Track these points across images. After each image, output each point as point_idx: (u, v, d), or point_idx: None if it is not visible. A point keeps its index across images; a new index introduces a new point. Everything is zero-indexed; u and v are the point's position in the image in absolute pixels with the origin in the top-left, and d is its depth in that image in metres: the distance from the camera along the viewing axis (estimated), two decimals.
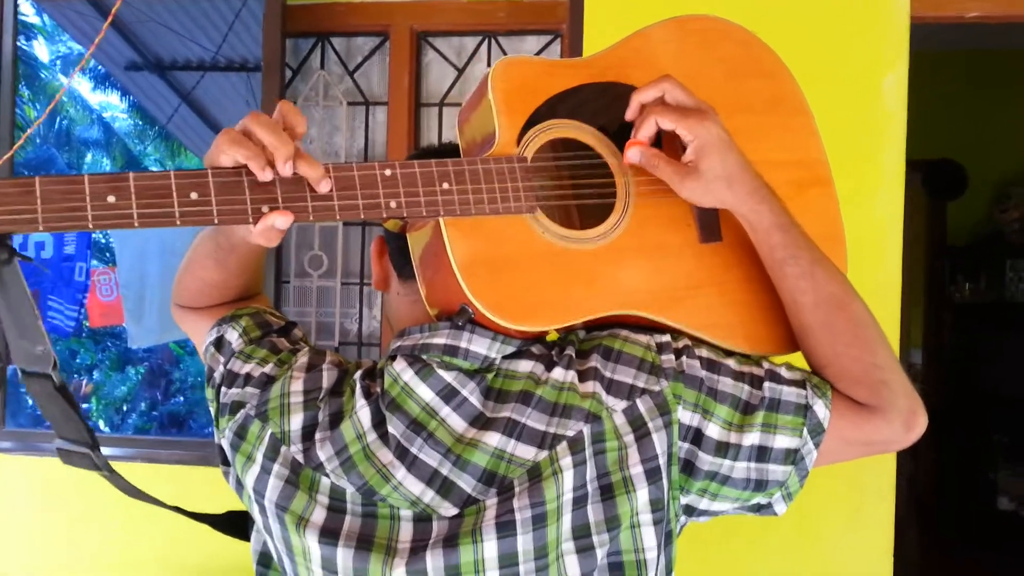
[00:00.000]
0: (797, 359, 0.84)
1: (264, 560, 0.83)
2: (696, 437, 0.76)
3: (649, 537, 0.74)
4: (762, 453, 0.76)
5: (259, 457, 0.77)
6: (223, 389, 0.83)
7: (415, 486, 0.73)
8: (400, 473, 0.73)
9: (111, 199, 0.64)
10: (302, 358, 0.83)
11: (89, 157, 9.51)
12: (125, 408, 8.39)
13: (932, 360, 4.08)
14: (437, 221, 0.75)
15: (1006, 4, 2.04)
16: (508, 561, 0.71)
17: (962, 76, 4.15)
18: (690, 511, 0.79)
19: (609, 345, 0.78)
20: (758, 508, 0.80)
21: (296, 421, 0.77)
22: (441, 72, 2.50)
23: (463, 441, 0.74)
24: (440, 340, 0.76)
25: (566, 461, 0.72)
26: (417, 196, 0.73)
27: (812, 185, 0.91)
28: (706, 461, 0.76)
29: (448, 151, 0.89)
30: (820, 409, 0.77)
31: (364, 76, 2.53)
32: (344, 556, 0.72)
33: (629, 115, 0.82)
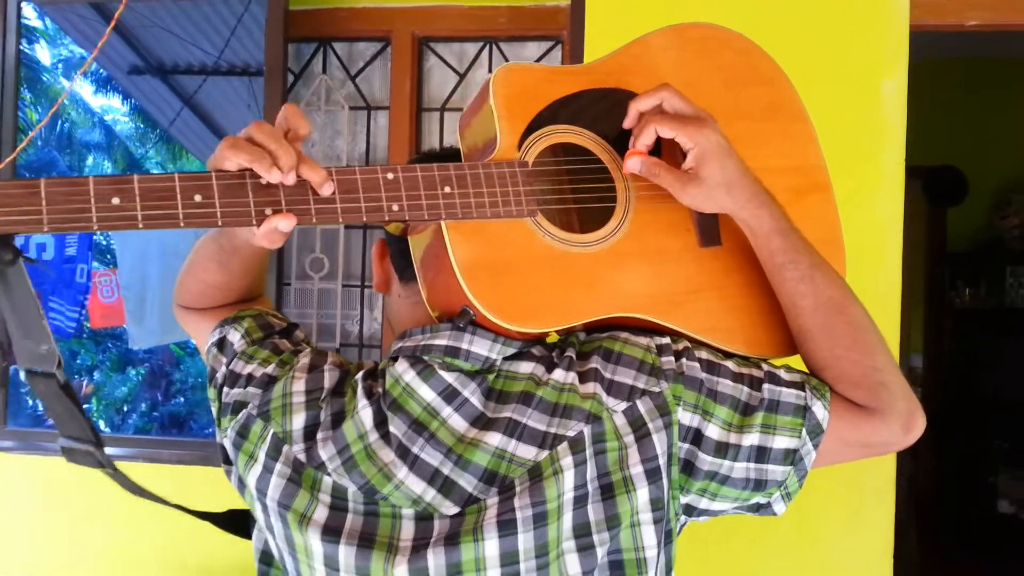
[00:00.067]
0: (796, 362, 0.85)
1: (266, 559, 0.83)
2: (696, 438, 0.76)
3: (649, 536, 0.75)
4: (761, 453, 0.77)
5: (261, 456, 0.78)
6: (225, 389, 0.84)
7: (417, 485, 0.74)
8: (402, 472, 0.74)
9: (116, 201, 0.65)
10: (304, 359, 0.84)
11: (90, 160, 9.52)
12: (126, 409, 8.39)
13: (932, 365, 4.08)
14: (439, 224, 0.76)
15: (1005, 12, 2.05)
16: (509, 559, 0.71)
17: (962, 83, 4.16)
18: (690, 511, 0.80)
19: (609, 347, 0.79)
20: (757, 508, 0.81)
21: (298, 421, 0.78)
22: (442, 77, 2.51)
23: (464, 441, 0.75)
24: (441, 341, 0.77)
25: (567, 461, 0.73)
26: (419, 199, 0.74)
27: (811, 191, 0.92)
28: (706, 461, 0.76)
29: (449, 155, 0.90)
30: (819, 410, 0.78)
31: (366, 81, 2.55)
32: (346, 554, 0.72)
33: (627, 123, 0.82)
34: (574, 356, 0.79)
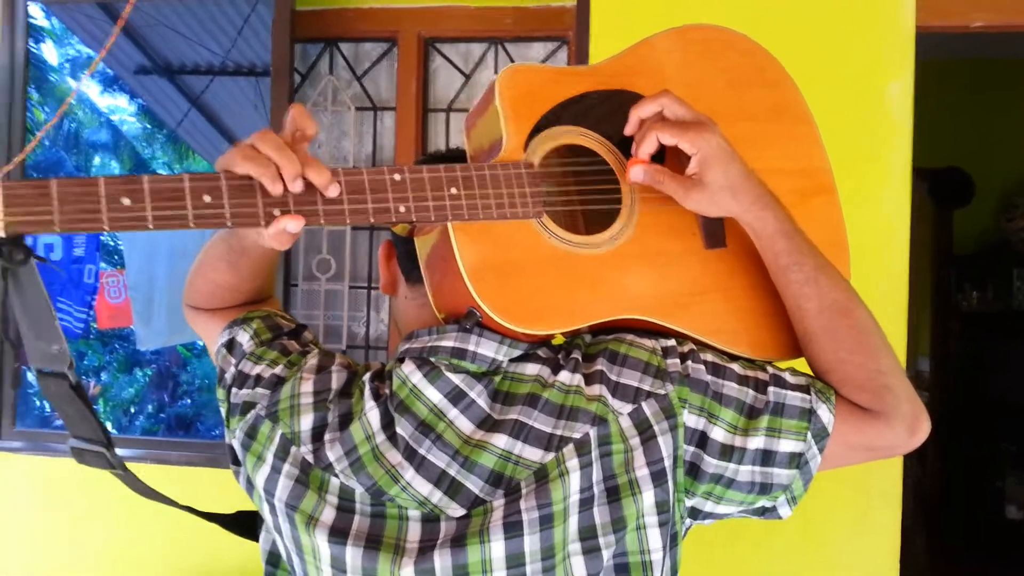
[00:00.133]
0: (801, 364, 0.85)
1: (273, 560, 0.84)
2: (701, 440, 0.77)
3: (655, 539, 0.75)
4: (767, 457, 0.77)
5: (269, 457, 0.78)
6: (234, 390, 0.85)
7: (423, 487, 0.74)
8: (408, 474, 0.74)
9: (126, 201, 0.65)
10: (312, 360, 0.84)
11: (97, 160, 9.54)
12: (132, 410, 8.40)
13: (939, 368, 4.07)
14: (445, 226, 0.76)
15: (1011, 13, 2.05)
16: (515, 561, 0.71)
17: (968, 85, 4.15)
18: (695, 514, 0.80)
19: (615, 349, 0.79)
20: (762, 511, 0.81)
21: (306, 422, 0.78)
22: (448, 78, 2.51)
23: (471, 443, 0.75)
24: (448, 343, 0.77)
25: (573, 463, 0.73)
26: (426, 201, 0.74)
27: (816, 193, 0.92)
28: (711, 464, 0.76)
29: (455, 156, 0.90)
30: (824, 414, 0.78)
31: (372, 81, 2.55)
32: (353, 555, 0.73)
33: (628, 130, 0.83)
34: (580, 358, 0.79)
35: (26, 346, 0.72)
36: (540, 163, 0.81)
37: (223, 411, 0.87)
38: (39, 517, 2.51)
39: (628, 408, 0.75)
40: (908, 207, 1.87)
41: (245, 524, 0.93)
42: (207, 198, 0.67)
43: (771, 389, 0.79)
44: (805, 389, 0.79)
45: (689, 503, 0.78)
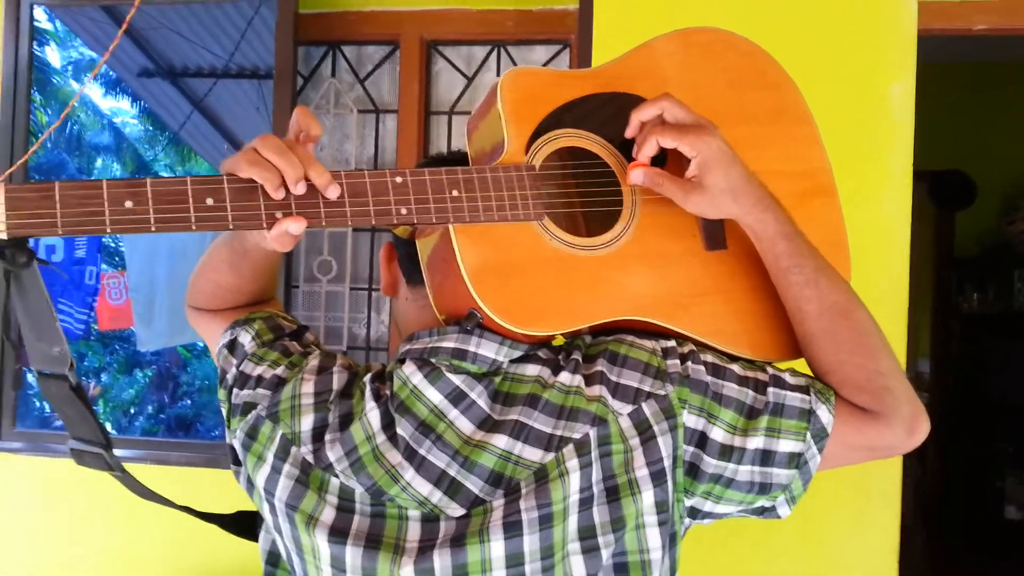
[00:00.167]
0: (801, 365, 0.85)
1: (272, 559, 0.84)
2: (701, 441, 0.77)
3: (654, 538, 0.75)
4: (766, 457, 0.77)
5: (270, 457, 0.78)
6: (235, 390, 0.85)
7: (423, 487, 0.74)
8: (408, 474, 0.75)
9: (129, 204, 0.66)
10: (313, 361, 0.84)
11: (99, 162, 9.55)
12: (132, 411, 8.41)
13: (940, 370, 4.08)
14: (447, 228, 0.76)
15: (1013, 16, 2.05)
16: (515, 561, 0.72)
17: (969, 87, 4.15)
18: (694, 513, 0.80)
19: (615, 350, 0.79)
20: (762, 511, 0.81)
21: (307, 422, 0.78)
22: (450, 81, 2.51)
23: (471, 443, 0.75)
24: (449, 344, 0.78)
25: (572, 463, 0.73)
26: (427, 203, 0.75)
27: (816, 195, 0.93)
28: (711, 464, 0.77)
29: (457, 159, 0.90)
30: (824, 414, 0.78)
31: (374, 84, 2.56)
32: (353, 555, 0.73)
33: (629, 133, 0.83)
34: (580, 359, 0.79)
35: (27, 348, 0.72)
36: (541, 166, 0.81)
37: (224, 411, 0.87)
38: (39, 517, 2.51)
39: (628, 409, 0.76)
40: (909, 209, 1.87)
41: (244, 524, 0.93)
42: (210, 201, 0.68)
43: (771, 390, 0.79)
44: (805, 390, 0.80)
45: (688, 503, 0.78)
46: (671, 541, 0.77)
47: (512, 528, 0.72)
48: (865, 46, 1.91)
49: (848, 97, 1.88)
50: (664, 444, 0.75)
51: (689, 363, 0.79)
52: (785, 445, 0.77)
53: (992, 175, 4.18)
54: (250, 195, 0.69)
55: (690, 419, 0.77)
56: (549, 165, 0.83)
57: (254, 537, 0.89)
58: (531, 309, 0.76)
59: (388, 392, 0.79)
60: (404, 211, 0.74)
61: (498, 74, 2.46)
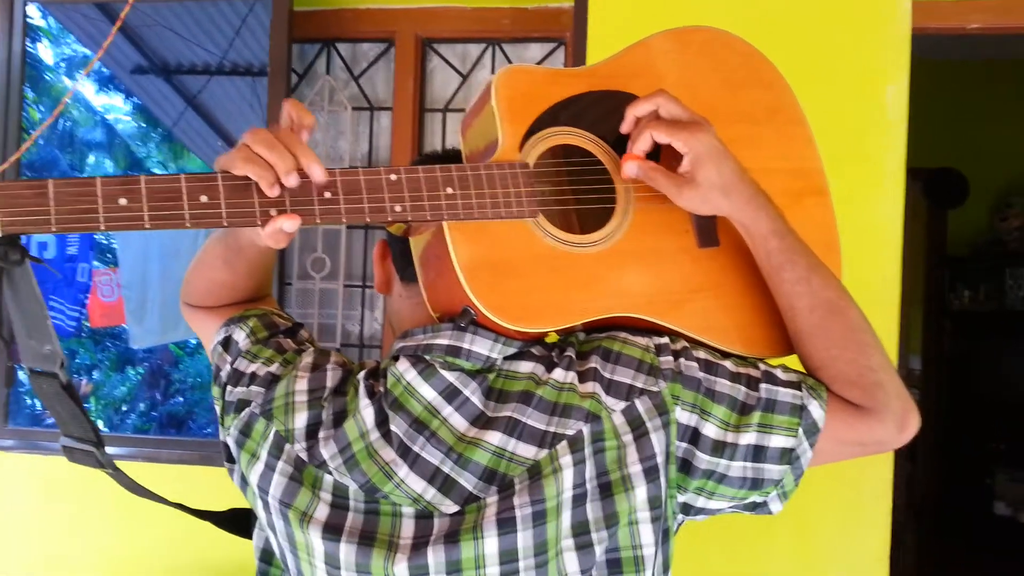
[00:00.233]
0: (793, 362, 0.86)
1: (266, 556, 0.84)
2: (694, 437, 0.77)
3: (647, 534, 0.75)
4: (758, 452, 0.78)
5: (263, 454, 0.78)
6: (229, 387, 0.85)
7: (417, 484, 0.75)
8: (402, 471, 0.75)
9: (123, 201, 0.66)
10: (307, 358, 0.84)
11: (92, 159, 9.51)
12: (124, 408, 8.38)
13: (931, 367, 4.09)
14: (441, 225, 0.77)
15: (1006, 15, 2.06)
16: (508, 557, 0.72)
17: (963, 86, 4.17)
18: (687, 509, 0.80)
19: (608, 347, 0.79)
20: (754, 506, 0.82)
21: (300, 419, 0.78)
22: (445, 78, 2.51)
23: (464, 440, 0.75)
24: (443, 341, 0.78)
25: (566, 460, 0.74)
26: (422, 201, 0.75)
27: (809, 194, 0.93)
28: (703, 460, 0.77)
29: (451, 157, 0.91)
30: (815, 410, 0.79)
31: (369, 81, 2.55)
32: (347, 552, 0.73)
33: (624, 128, 0.83)
34: (574, 356, 0.79)
35: (19, 345, 0.72)
36: (535, 163, 0.82)
37: (218, 408, 0.87)
38: (33, 515, 2.50)
39: (621, 405, 0.76)
40: (902, 207, 1.88)
41: (238, 522, 0.94)
42: (204, 198, 0.68)
43: (763, 386, 0.79)
44: (796, 386, 0.80)
45: (681, 499, 0.79)
46: (664, 537, 0.77)
47: (506, 525, 0.72)
48: (859, 44, 1.91)
49: (842, 95, 1.89)
50: (657, 440, 0.75)
51: (682, 359, 0.79)
52: (777, 441, 0.78)
53: (984, 173, 4.20)
54: (244, 192, 0.69)
55: (683, 415, 0.77)
56: (543, 163, 0.83)
57: (248, 534, 0.89)
58: (525, 306, 0.76)
59: (382, 389, 0.79)
60: (399, 208, 0.74)
61: (493, 72, 2.46)
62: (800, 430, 0.78)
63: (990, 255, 4.37)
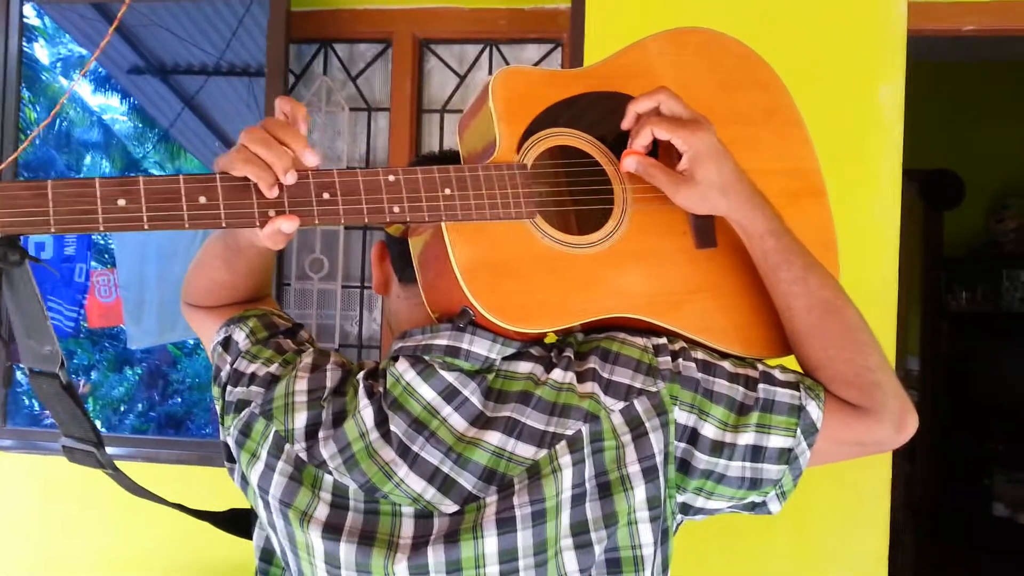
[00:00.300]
0: (791, 362, 0.86)
1: (266, 556, 0.84)
2: (692, 437, 0.77)
3: (646, 534, 0.76)
4: (757, 453, 0.78)
5: (263, 454, 0.78)
6: (229, 388, 0.85)
7: (417, 483, 0.75)
8: (402, 471, 0.75)
9: (121, 202, 0.66)
10: (306, 358, 0.85)
11: (88, 159, 9.50)
12: (123, 409, 8.38)
13: (929, 368, 4.10)
14: (439, 226, 0.77)
15: (1002, 17, 2.07)
16: (508, 556, 0.72)
17: (959, 87, 4.18)
18: (686, 509, 0.81)
19: (607, 347, 0.80)
20: (753, 507, 0.82)
21: (300, 419, 0.79)
22: (443, 79, 2.51)
23: (464, 440, 0.76)
24: (442, 341, 0.78)
25: (565, 459, 0.74)
26: (420, 201, 0.75)
27: (805, 194, 0.93)
28: (702, 460, 0.77)
29: (448, 158, 0.91)
30: (813, 410, 0.79)
31: (366, 82, 2.55)
32: (347, 551, 0.73)
33: (625, 124, 0.84)
34: (572, 356, 0.80)
35: (18, 345, 0.72)
36: (533, 164, 0.82)
37: (218, 408, 0.87)
38: (33, 515, 2.50)
39: (620, 405, 0.76)
40: (898, 208, 1.89)
41: (237, 522, 0.94)
42: (202, 199, 0.68)
43: (761, 386, 0.80)
44: (794, 386, 0.80)
45: (680, 499, 0.79)
46: (663, 537, 0.77)
47: (505, 524, 0.72)
48: (855, 46, 1.92)
49: (838, 97, 1.89)
50: (656, 440, 0.76)
51: (680, 360, 0.79)
52: (775, 441, 0.78)
53: (981, 174, 4.20)
54: (243, 193, 0.69)
55: (681, 415, 0.77)
56: (541, 164, 0.83)
57: (247, 535, 0.89)
58: (523, 307, 0.77)
59: (381, 389, 0.79)
60: (397, 209, 0.74)
61: (490, 73, 2.46)
62: (798, 430, 0.78)
63: (986, 256, 4.37)
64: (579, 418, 0.75)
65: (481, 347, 0.78)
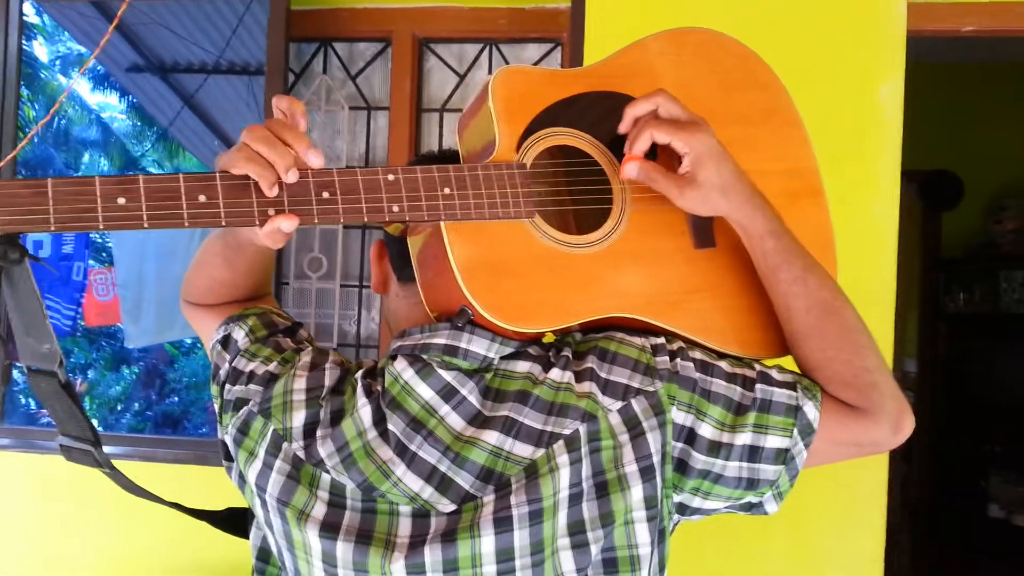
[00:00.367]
0: (788, 362, 0.86)
1: (263, 555, 0.84)
2: (690, 437, 0.78)
3: (643, 534, 0.76)
4: (754, 453, 0.78)
5: (261, 453, 0.78)
6: (227, 386, 0.85)
7: (414, 483, 0.75)
8: (400, 470, 0.75)
9: (121, 201, 0.66)
10: (305, 357, 0.85)
11: (87, 157, 9.50)
12: (119, 407, 8.37)
13: (926, 370, 4.10)
14: (438, 225, 0.77)
15: (1001, 18, 2.07)
16: (505, 556, 0.72)
17: (958, 88, 4.18)
18: (683, 509, 0.81)
19: (605, 347, 0.80)
20: (749, 507, 0.82)
21: (298, 418, 0.79)
22: (442, 78, 2.51)
23: (462, 439, 0.76)
24: (440, 340, 0.78)
25: (562, 459, 0.74)
26: (419, 201, 0.75)
27: (804, 195, 0.93)
28: (699, 460, 0.77)
29: (448, 157, 0.91)
30: (810, 410, 0.79)
31: (366, 81, 2.55)
32: (344, 550, 0.73)
33: (623, 128, 0.83)
34: (570, 356, 0.80)
35: (17, 344, 0.72)
36: (532, 164, 0.82)
37: (216, 407, 0.87)
38: (31, 514, 2.50)
39: (617, 405, 0.76)
40: (897, 209, 1.89)
41: (234, 521, 0.94)
42: (202, 197, 0.68)
43: (758, 386, 0.80)
44: (792, 386, 0.80)
45: (677, 499, 0.79)
46: (660, 537, 0.77)
47: (502, 523, 0.72)
48: (855, 46, 1.92)
49: (838, 97, 1.89)
50: (653, 440, 0.76)
51: (678, 360, 0.79)
52: (772, 441, 0.78)
53: (979, 175, 4.20)
54: (243, 192, 0.69)
55: (679, 415, 0.77)
56: (540, 163, 0.83)
57: (244, 534, 0.89)
58: (522, 306, 0.77)
59: (379, 388, 0.79)
60: (396, 208, 0.74)
61: (490, 72, 2.46)
62: (795, 430, 0.79)
63: (984, 257, 4.37)
64: (577, 418, 0.75)
65: (479, 346, 0.78)
